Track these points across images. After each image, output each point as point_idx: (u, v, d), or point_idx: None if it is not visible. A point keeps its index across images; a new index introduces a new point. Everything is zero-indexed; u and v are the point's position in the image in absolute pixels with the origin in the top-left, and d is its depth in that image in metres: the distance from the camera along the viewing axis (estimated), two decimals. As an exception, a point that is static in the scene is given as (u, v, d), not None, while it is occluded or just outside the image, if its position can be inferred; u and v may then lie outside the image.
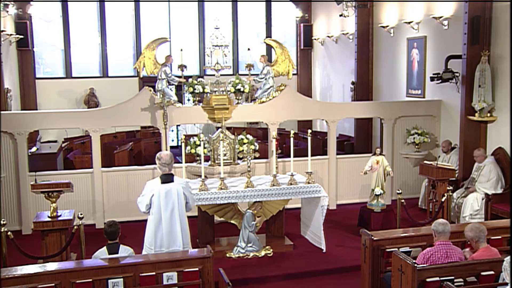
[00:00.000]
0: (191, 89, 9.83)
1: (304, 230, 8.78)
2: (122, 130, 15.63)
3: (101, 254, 5.95)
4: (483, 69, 9.28)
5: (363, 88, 14.08)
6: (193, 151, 9.32)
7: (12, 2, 13.69)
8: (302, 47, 18.10)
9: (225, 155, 9.10)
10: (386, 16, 13.07)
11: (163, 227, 6.31)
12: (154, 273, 5.71)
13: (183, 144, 8.43)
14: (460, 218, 9.12)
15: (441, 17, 10.69)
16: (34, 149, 12.42)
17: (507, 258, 4.39)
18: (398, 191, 8.34)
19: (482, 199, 8.95)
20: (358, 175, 9.91)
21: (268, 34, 18.50)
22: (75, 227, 7.10)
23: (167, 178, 6.39)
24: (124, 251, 6.00)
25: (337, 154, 10.95)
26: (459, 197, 9.23)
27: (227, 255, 8.02)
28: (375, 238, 6.35)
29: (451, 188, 8.57)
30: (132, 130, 16.22)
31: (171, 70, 10.57)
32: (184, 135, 12.23)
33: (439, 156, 10.23)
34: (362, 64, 14.03)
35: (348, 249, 8.29)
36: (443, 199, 8.32)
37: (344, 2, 13.79)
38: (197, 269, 5.83)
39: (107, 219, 8.35)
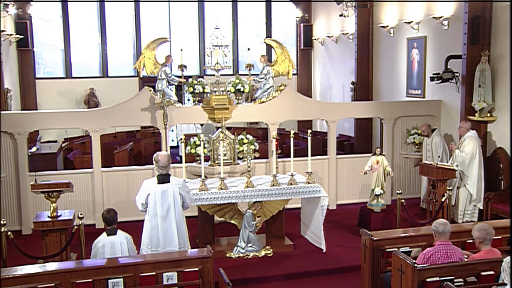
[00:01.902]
0: (191, 89, 9.83)
1: (304, 230, 8.78)
2: (122, 130, 15.64)
3: (102, 238, 6.18)
4: (483, 69, 9.29)
5: (363, 88, 14.08)
6: (193, 151, 9.32)
7: (12, 2, 13.69)
8: (302, 47, 18.10)
9: (225, 155, 9.10)
10: (386, 16, 13.07)
11: (159, 227, 6.35)
12: (154, 273, 5.71)
13: (182, 144, 8.43)
14: (458, 216, 9.13)
15: (441, 17, 10.69)
16: (34, 149, 12.42)
17: (506, 259, 4.39)
18: (398, 191, 8.34)
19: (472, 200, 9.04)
20: (358, 175, 9.91)
21: (268, 34, 18.51)
22: (75, 227, 7.10)
23: (164, 179, 6.41)
24: (122, 234, 6.23)
25: (337, 154, 10.95)
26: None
27: (227, 255, 8.02)
28: (375, 238, 6.35)
29: (451, 188, 8.57)
30: (132, 130, 16.22)
31: (171, 70, 10.59)
32: (184, 135, 12.21)
33: (421, 140, 10.19)
34: (362, 64, 14.03)
35: (348, 249, 8.29)
36: (443, 199, 8.32)
37: (344, 2, 13.79)
38: (197, 269, 5.83)
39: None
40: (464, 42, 9.61)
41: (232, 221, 8.42)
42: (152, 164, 6.63)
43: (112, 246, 6.13)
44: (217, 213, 8.34)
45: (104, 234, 6.22)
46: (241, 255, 8.00)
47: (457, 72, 10.04)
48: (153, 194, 6.35)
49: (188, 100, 11.87)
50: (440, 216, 8.10)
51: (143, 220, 6.55)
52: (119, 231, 6.24)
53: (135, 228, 7.78)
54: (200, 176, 8.09)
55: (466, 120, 9.51)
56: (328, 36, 16.43)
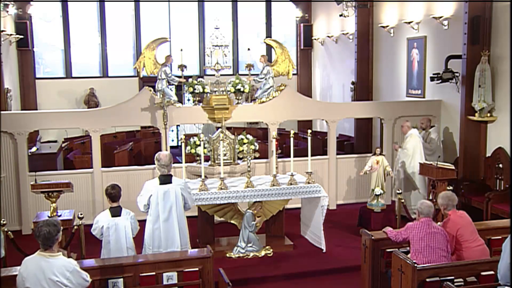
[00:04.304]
0: (191, 89, 9.83)
1: (304, 230, 8.78)
2: (122, 130, 15.63)
3: (104, 216, 6.30)
4: (483, 69, 9.28)
5: (363, 88, 14.08)
6: (193, 151, 9.32)
7: (12, 2, 13.69)
8: (302, 47, 18.10)
9: (225, 155, 9.10)
10: (386, 16, 13.07)
11: (161, 228, 6.35)
12: (154, 273, 5.72)
13: (183, 144, 8.44)
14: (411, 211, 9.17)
15: (441, 17, 10.69)
16: (34, 149, 12.43)
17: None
18: (398, 191, 8.34)
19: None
20: (358, 175, 9.90)
21: (268, 34, 18.50)
22: (75, 227, 7.11)
23: (166, 179, 6.41)
24: (126, 213, 6.30)
25: (337, 154, 10.95)
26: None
27: (227, 255, 8.02)
28: (375, 238, 6.35)
29: (451, 188, 8.56)
30: (132, 130, 16.21)
31: (171, 70, 10.58)
32: (184, 135, 12.22)
33: (420, 132, 10.25)
34: (362, 64, 14.02)
35: (348, 249, 8.29)
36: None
37: (344, 2, 13.80)
38: (197, 269, 5.83)
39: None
40: (464, 42, 9.61)
41: (232, 221, 8.42)
42: (152, 164, 6.64)
43: (116, 229, 6.20)
44: (217, 213, 8.34)
45: (108, 213, 6.26)
46: (241, 255, 8.00)
47: (457, 72, 10.04)
48: (155, 195, 6.35)
49: (188, 100, 11.87)
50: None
51: (144, 221, 6.55)
52: (123, 210, 6.28)
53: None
54: (200, 176, 8.09)
55: (407, 119, 9.95)
56: (328, 36, 16.43)
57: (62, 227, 7.16)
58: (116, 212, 6.25)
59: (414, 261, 5.48)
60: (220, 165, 8.18)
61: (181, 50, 10.06)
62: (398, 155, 9.70)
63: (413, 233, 5.89)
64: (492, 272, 5.50)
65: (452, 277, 5.42)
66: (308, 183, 8.13)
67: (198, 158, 9.12)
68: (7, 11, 13.46)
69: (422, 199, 9.10)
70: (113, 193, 6.24)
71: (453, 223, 6.04)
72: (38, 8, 16.36)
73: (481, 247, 6.03)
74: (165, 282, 5.74)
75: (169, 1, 18.15)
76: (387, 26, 12.87)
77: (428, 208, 6.00)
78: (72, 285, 4.52)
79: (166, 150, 9.48)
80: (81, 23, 17.52)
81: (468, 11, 9.43)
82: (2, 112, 10.05)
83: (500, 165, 9.30)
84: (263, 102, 10.33)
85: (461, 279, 5.48)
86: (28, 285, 4.44)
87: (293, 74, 11.86)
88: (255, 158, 9.21)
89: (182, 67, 9.97)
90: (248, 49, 11.28)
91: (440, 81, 10.18)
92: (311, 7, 17.88)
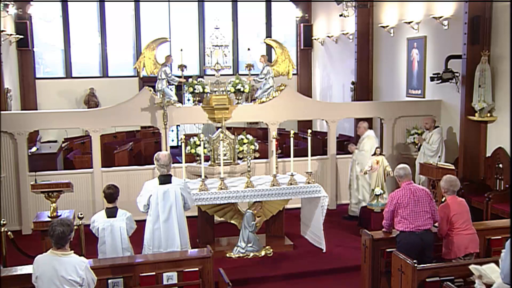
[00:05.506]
0: (191, 89, 9.84)
1: (304, 230, 8.78)
2: (122, 130, 15.64)
3: (99, 217, 6.26)
4: (483, 69, 9.28)
5: (363, 88, 14.08)
6: (193, 151, 9.33)
7: (12, 2, 13.69)
8: (302, 47, 18.10)
9: (225, 155, 9.10)
10: (386, 16, 13.06)
11: (161, 228, 6.35)
12: (154, 273, 5.72)
13: (183, 144, 8.44)
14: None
15: (441, 17, 10.69)
16: (34, 149, 12.43)
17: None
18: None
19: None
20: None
21: (268, 34, 18.50)
22: (75, 227, 7.09)
23: (165, 179, 6.41)
24: (122, 214, 6.25)
25: (337, 154, 10.95)
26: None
27: (227, 255, 8.02)
28: (375, 238, 6.35)
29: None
30: (132, 130, 16.21)
31: (171, 70, 10.59)
32: (184, 135, 12.21)
33: (422, 132, 10.23)
34: (362, 64, 14.02)
35: (348, 249, 8.29)
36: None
37: (344, 2, 13.80)
38: (197, 269, 5.84)
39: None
40: (464, 42, 9.60)
41: (232, 221, 8.42)
42: (152, 164, 6.63)
43: (112, 231, 6.19)
44: (217, 213, 8.34)
45: (104, 214, 6.24)
46: (241, 255, 8.00)
47: (457, 72, 10.03)
48: (155, 195, 6.35)
49: (188, 100, 11.88)
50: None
51: (144, 220, 6.55)
52: (119, 211, 6.24)
53: (136, 228, 7.79)
54: (200, 176, 8.09)
55: (363, 121, 10.15)
56: (328, 36, 16.43)
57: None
58: (111, 213, 6.22)
59: (414, 261, 5.47)
60: (220, 165, 8.18)
61: (181, 50, 10.07)
62: (354, 156, 9.75)
63: (399, 201, 6.06)
64: (492, 272, 5.50)
65: (452, 277, 5.42)
66: (308, 183, 8.13)
67: (198, 158, 9.12)
68: (7, 11, 13.45)
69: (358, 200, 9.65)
70: (108, 193, 6.20)
71: (449, 208, 6.13)
72: (38, 8, 16.37)
73: (472, 235, 6.14)
74: (165, 282, 5.74)
75: (169, 1, 18.15)
76: (387, 26, 12.86)
77: (403, 170, 6.20)
78: (84, 283, 4.59)
79: (166, 150, 9.48)
80: (81, 23, 17.52)
81: (468, 11, 9.42)
82: (2, 112, 10.05)
83: (500, 165, 9.30)
84: (263, 102, 10.33)
85: (461, 279, 5.47)
86: (40, 283, 4.52)
87: (293, 74, 11.87)
88: (255, 158, 9.22)
89: (182, 67, 9.98)
90: (248, 49, 11.29)
91: (440, 81, 10.18)
92: (311, 7, 17.88)
